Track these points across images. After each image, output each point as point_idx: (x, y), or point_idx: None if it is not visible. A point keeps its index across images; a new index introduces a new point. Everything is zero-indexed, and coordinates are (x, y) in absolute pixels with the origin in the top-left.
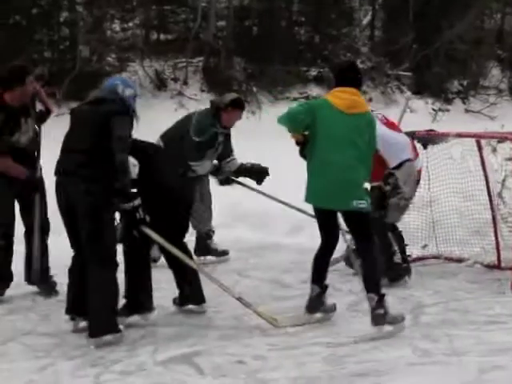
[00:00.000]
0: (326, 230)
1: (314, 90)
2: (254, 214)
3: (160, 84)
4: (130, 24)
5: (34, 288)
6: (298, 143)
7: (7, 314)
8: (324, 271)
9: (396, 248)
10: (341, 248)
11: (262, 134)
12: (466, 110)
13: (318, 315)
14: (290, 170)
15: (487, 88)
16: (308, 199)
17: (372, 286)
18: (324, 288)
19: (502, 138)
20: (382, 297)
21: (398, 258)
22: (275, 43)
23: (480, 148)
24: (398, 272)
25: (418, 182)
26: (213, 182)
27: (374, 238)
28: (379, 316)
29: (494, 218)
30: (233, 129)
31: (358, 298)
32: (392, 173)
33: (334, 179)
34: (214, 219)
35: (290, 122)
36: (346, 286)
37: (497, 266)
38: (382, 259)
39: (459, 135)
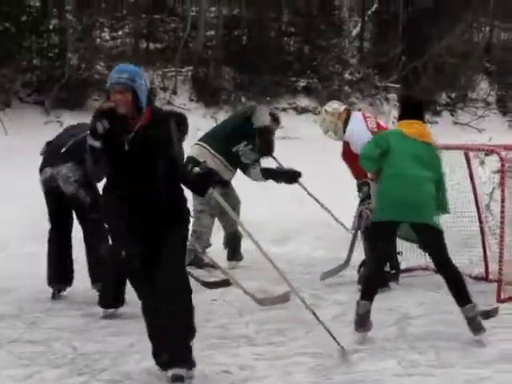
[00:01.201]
0: (386, 244)
1: (303, 101)
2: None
3: (149, 93)
4: (120, 32)
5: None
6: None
7: None
8: (378, 287)
9: None
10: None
11: None
12: (454, 122)
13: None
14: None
15: (475, 101)
16: (382, 215)
17: (466, 296)
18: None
19: (490, 151)
20: (475, 304)
21: (387, 267)
22: (264, 53)
23: (468, 160)
24: (386, 279)
25: None
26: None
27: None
28: (479, 324)
29: (481, 230)
30: None
31: (344, 309)
32: (367, 182)
33: (415, 191)
34: None
35: (370, 160)
36: (332, 297)
37: (484, 278)
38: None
39: (447, 147)
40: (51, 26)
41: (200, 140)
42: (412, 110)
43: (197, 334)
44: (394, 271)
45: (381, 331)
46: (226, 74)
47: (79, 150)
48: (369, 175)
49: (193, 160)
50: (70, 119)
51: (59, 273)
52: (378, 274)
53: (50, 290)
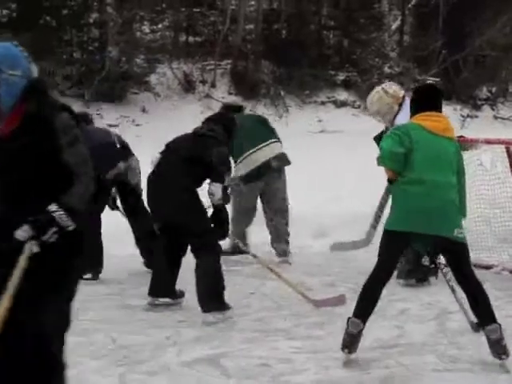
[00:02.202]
0: (396, 257)
1: (342, 95)
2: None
3: (188, 86)
4: (160, 26)
5: None
6: (390, 180)
7: None
8: (374, 306)
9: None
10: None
11: (288, 138)
12: (495, 117)
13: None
14: (316, 173)
15: None
16: (397, 224)
17: (490, 316)
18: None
19: None
20: (500, 325)
21: (426, 261)
22: (303, 47)
23: (510, 155)
24: (425, 273)
25: None
26: None
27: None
28: (504, 347)
29: None
30: None
31: (382, 304)
32: None
33: (438, 200)
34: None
35: (395, 161)
36: None
37: None
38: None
39: (488, 142)
40: (92, 20)
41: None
42: (429, 99)
43: (234, 327)
44: (433, 266)
45: (420, 326)
46: (264, 68)
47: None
48: (387, 174)
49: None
50: (109, 112)
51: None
52: (374, 289)
53: (88, 283)
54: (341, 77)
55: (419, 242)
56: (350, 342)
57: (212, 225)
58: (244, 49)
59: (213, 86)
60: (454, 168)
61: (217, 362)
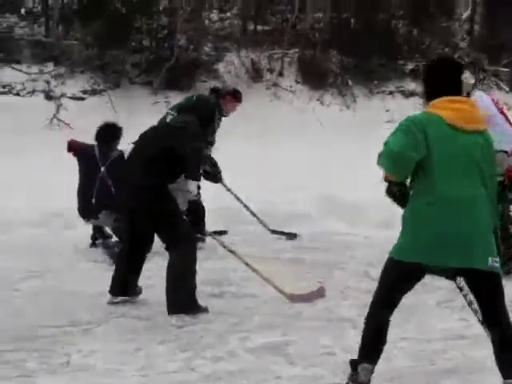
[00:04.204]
0: (402, 291)
1: (410, 85)
2: (346, 205)
3: (255, 75)
4: (228, 14)
5: None
6: (388, 181)
7: (100, 295)
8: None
9: None
10: None
11: (356, 128)
12: None
13: None
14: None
15: None
16: (408, 254)
17: None
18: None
19: None
20: None
21: None
22: (372, 36)
23: None
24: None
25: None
26: None
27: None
28: None
29: None
30: (329, 121)
31: (449, 295)
32: None
33: (464, 222)
34: (307, 210)
35: (397, 165)
36: (435, 283)
37: None
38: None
39: None
40: (161, 7)
41: None
42: (449, 79)
43: (300, 315)
44: None
45: None
46: (332, 57)
47: None
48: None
49: None
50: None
51: None
52: (378, 323)
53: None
54: (409, 66)
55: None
56: None
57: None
58: (312, 37)
59: (280, 74)
60: (486, 171)
61: (282, 349)
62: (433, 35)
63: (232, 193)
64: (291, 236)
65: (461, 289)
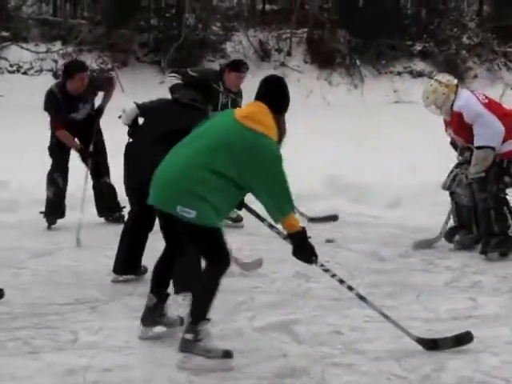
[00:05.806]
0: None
1: (419, 65)
2: (354, 185)
3: (264, 54)
4: None
5: None
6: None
7: (108, 274)
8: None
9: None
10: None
11: (364, 107)
12: None
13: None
14: (390, 143)
15: None
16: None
17: None
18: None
19: None
20: None
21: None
22: (381, 16)
23: None
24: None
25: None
26: None
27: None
28: None
29: None
30: (336, 101)
31: (456, 275)
32: (470, 148)
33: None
34: (314, 189)
35: None
36: (443, 263)
37: None
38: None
39: None
40: None
41: None
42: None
43: (308, 294)
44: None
45: (494, 299)
46: (341, 37)
47: None
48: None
49: None
50: None
51: None
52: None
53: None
54: (418, 47)
55: None
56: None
57: None
58: (320, 17)
59: (288, 54)
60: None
61: (289, 328)
62: (442, 15)
63: None
64: (332, 218)
65: None
